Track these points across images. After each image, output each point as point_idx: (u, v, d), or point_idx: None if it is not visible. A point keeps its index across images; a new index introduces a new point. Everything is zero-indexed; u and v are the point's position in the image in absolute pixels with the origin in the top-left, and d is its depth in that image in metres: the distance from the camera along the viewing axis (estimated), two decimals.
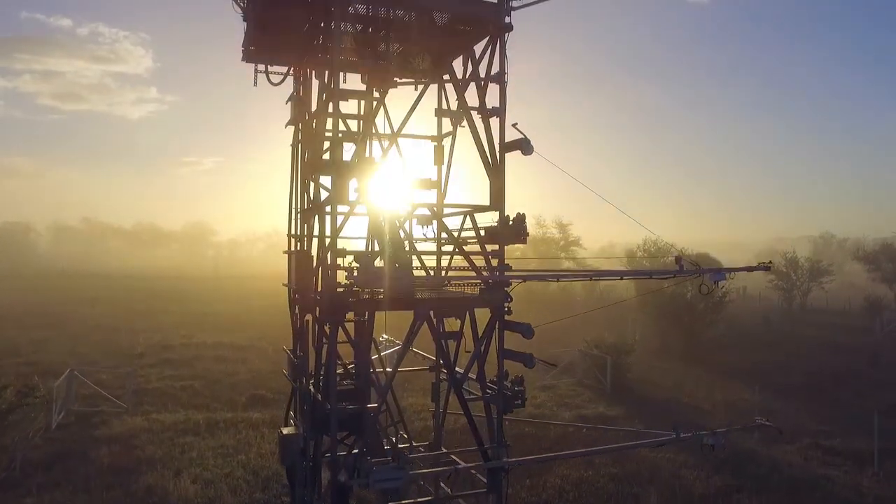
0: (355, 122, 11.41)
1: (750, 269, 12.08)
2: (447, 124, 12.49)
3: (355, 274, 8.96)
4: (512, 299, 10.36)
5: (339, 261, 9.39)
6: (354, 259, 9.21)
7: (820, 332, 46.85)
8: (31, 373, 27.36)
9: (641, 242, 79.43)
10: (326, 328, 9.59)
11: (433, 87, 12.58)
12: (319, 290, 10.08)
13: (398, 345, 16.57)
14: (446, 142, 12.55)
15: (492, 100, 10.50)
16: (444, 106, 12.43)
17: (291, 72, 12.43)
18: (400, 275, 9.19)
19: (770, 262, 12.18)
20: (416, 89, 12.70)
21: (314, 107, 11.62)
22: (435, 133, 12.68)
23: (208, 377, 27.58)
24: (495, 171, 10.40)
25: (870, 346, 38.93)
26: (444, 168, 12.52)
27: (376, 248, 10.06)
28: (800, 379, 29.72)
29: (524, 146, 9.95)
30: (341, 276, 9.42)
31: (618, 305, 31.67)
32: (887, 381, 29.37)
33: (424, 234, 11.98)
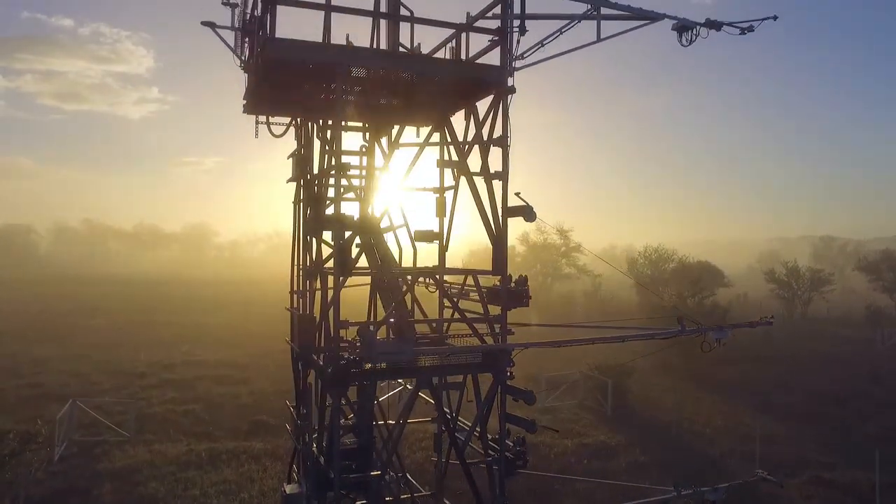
0: (358, 178, 11.42)
1: (752, 324, 12.04)
2: (450, 175, 12.48)
3: (357, 348, 8.96)
4: (514, 364, 10.36)
5: (342, 332, 9.39)
6: (357, 333, 9.21)
7: (821, 344, 46.90)
8: (33, 397, 27.46)
9: (643, 249, 79.65)
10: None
11: (436, 136, 12.57)
12: (322, 358, 10.08)
13: (399, 384, 16.59)
14: (449, 193, 12.53)
15: (494, 162, 10.48)
16: (447, 157, 12.41)
17: (294, 123, 12.42)
18: (403, 348, 9.19)
19: (772, 317, 12.14)
20: (417, 135, 12.69)
21: (316, 162, 11.61)
22: (437, 185, 12.65)
23: (210, 400, 27.61)
24: (497, 236, 10.39)
25: (871, 362, 38.96)
26: (446, 220, 12.50)
27: (380, 305, 10.04)
28: (801, 398, 29.74)
29: (527, 213, 9.94)
30: (348, 333, 9.44)
31: (618, 316, 31.64)
32: (888, 401, 29.38)
33: (427, 287, 12.02)
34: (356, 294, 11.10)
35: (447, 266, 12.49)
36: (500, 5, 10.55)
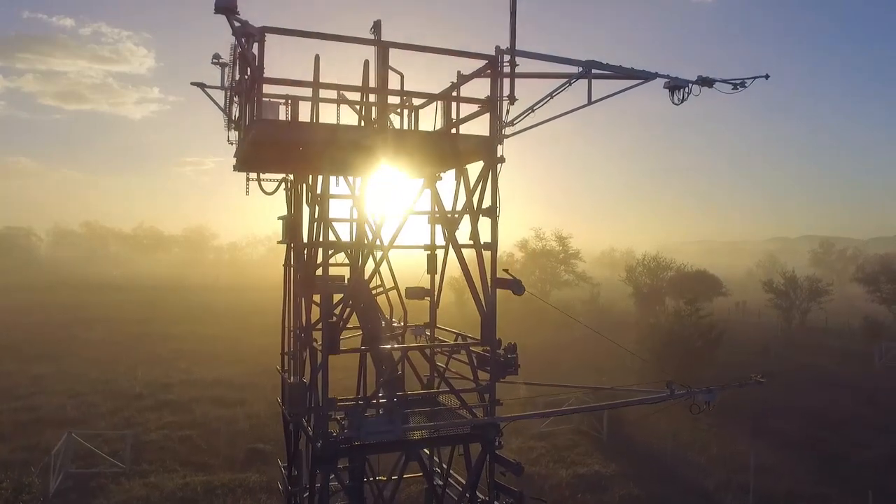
0: (348, 240, 11.45)
1: (741, 384, 12.11)
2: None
3: (346, 428, 9.02)
4: (502, 434, 10.39)
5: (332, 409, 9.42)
6: (346, 415, 9.25)
7: (819, 359, 46.94)
8: (30, 422, 27.51)
9: (641, 257, 79.57)
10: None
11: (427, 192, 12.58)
12: (311, 426, 10.12)
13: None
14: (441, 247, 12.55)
15: (484, 232, 10.49)
16: (437, 213, 12.42)
17: (285, 183, 12.44)
18: (392, 427, 9.23)
19: (762, 377, 12.20)
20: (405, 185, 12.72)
21: (305, 225, 11.63)
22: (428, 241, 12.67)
23: (207, 425, 27.63)
24: (486, 305, 10.41)
25: (869, 380, 39.00)
26: (437, 277, 12.51)
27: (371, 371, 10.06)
28: (797, 423, 29.75)
29: (515, 287, 9.96)
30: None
31: (617, 328, 31.71)
32: (886, 425, 29.41)
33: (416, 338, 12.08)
34: (348, 359, 11.08)
35: (437, 324, 12.55)
36: (490, 70, 10.54)
